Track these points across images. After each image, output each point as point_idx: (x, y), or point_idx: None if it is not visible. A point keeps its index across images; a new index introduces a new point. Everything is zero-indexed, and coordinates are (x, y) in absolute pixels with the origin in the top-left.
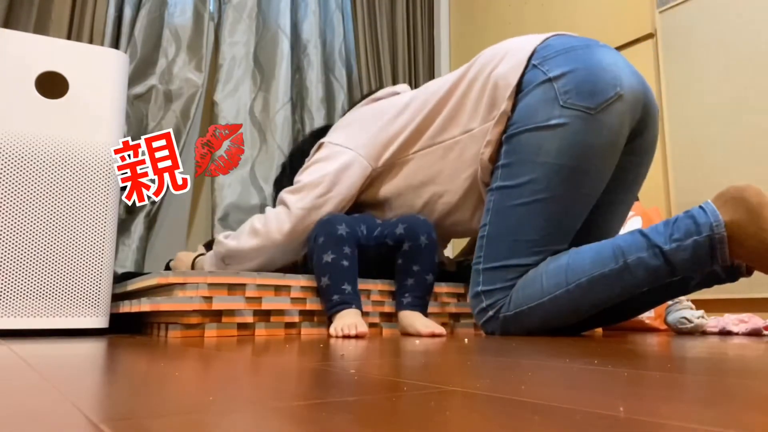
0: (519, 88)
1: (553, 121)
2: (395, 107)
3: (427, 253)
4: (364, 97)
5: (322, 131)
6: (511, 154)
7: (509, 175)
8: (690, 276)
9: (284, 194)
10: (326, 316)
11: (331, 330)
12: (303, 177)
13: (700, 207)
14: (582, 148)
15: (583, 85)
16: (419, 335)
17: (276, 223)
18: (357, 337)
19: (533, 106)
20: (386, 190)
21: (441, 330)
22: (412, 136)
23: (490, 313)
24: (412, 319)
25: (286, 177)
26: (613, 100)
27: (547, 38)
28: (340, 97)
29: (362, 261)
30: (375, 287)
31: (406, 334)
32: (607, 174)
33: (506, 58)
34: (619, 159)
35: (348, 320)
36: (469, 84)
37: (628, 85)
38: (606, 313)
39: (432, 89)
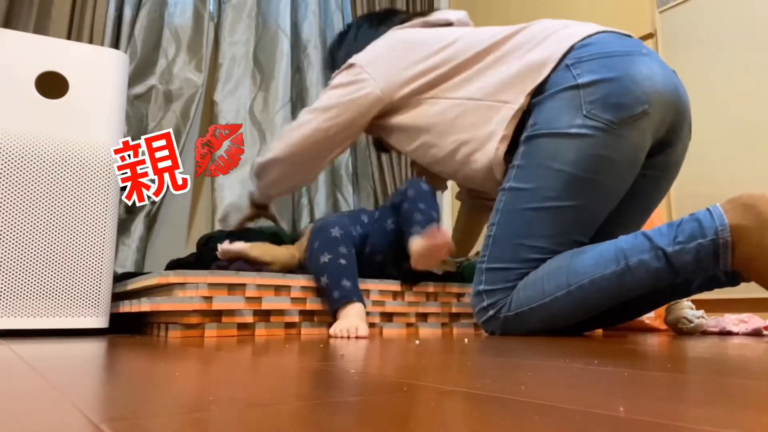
0: (544, 87)
1: (573, 130)
2: (433, 46)
3: (425, 195)
4: (417, 15)
5: (378, 19)
6: (527, 156)
7: (522, 177)
8: (691, 278)
9: (303, 111)
10: (326, 316)
11: (332, 330)
12: (323, 98)
13: (707, 210)
14: (599, 161)
15: (609, 97)
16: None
17: (288, 134)
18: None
19: (556, 111)
20: (395, 121)
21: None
22: (432, 82)
23: (491, 312)
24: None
25: (335, 47)
26: (638, 116)
27: (591, 35)
28: None
29: (378, 264)
30: (375, 287)
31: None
32: (623, 188)
33: (546, 42)
34: (640, 172)
35: (349, 322)
36: (503, 55)
37: (659, 100)
38: (607, 314)
39: (475, 40)
